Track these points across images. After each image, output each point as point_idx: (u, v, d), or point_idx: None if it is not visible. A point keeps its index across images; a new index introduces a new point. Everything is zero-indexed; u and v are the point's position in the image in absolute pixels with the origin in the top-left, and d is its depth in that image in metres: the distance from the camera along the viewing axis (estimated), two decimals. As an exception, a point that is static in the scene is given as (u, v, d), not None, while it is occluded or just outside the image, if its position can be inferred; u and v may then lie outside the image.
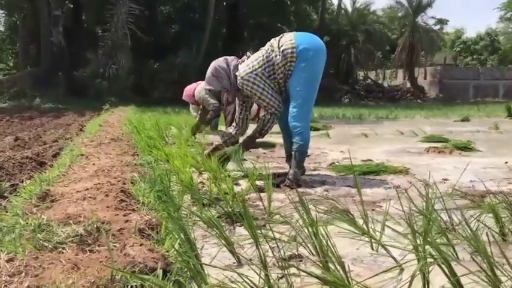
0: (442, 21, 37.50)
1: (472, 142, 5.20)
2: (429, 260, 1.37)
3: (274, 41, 3.43)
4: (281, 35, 3.51)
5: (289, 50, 3.30)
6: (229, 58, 3.72)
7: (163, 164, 3.51)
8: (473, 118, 11.19)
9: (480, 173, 3.47)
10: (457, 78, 31.23)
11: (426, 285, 1.45)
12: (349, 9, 32.64)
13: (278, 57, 3.34)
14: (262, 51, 3.46)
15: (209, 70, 3.73)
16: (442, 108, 16.65)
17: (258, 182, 2.94)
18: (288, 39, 3.36)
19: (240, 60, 3.65)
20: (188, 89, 7.42)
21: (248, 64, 3.46)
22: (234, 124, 3.80)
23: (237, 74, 3.52)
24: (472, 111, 13.64)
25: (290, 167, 3.40)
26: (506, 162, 4.12)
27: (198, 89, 7.01)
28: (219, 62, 3.69)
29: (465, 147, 4.98)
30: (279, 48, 3.35)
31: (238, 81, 3.50)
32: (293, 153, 3.36)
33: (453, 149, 4.92)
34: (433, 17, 35.21)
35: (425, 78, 32.15)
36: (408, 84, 30.92)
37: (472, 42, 50.07)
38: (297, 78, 3.32)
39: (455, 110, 14.59)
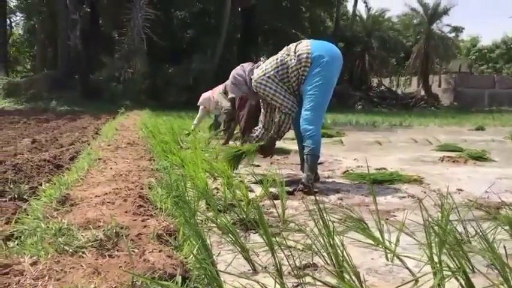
0: (457, 29, 37.17)
1: (487, 152, 5.16)
2: (445, 272, 1.37)
3: (292, 46, 3.55)
4: (299, 41, 3.62)
5: (305, 55, 3.39)
6: (245, 64, 3.90)
7: (178, 169, 3.55)
8: (488, 127, 11.08)
9: (495, 183, 3.45)
10: (472, 87, 30.93)
11: (441, 297, 1.46)
12: (364, 16, 32.61)
13: (293, 61, 3.44)
14: (278, 55, 3.58)
15: (229, 79, 3.94)
16: (456, 116, 16.52)
17: (271, 189, 2.96)
18: (305, 45, 3.46)
19: (255, 65, 3.79)
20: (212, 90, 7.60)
21: (262, 68, 3.61)
22: (259, 126, 3.93)
23: (252, 77, 3.65)
24: (487, 120, 13.51)
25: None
26: (522, 173, 4.08)
27: (216, 91, 7.15)
28: (236, 71, 3.87)
29: (480, 157, 4.94)
30: (295, 53, 3.45)
31: (252, 84, 3.63)
32: (305, 157, 3.42)
33: (468, 159, 4.89)
34: (448, 25, 34.87)
35: (439, 86, 31.89)
36: (422, 92, 30.69)
37: (488, 50, 49.63)
38: (311, 83, 3.39)
39: (470, 119, 14.47)
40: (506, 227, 2.02)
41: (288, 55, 3.49)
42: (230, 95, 4.02)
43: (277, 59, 3.54)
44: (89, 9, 24.26)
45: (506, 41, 48.85)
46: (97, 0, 23.59)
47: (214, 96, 7.11)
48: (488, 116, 16.62)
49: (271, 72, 3.51)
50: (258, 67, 3.71)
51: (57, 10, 20.71)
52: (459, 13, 63.01)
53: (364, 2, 32.27)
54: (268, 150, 3.93)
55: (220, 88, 6.63)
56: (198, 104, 7.99)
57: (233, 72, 3.89)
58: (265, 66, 3.58)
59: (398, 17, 38.21)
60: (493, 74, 37.79)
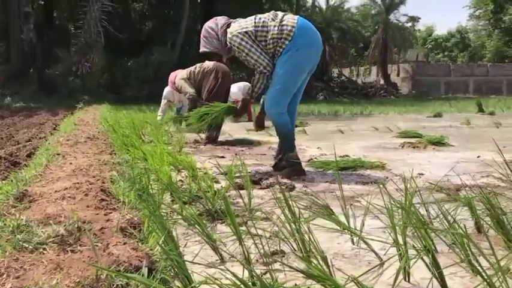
0: (414, 19, 38.05)
1: (445, 137, 5.30)
2: (411, 253, 1.40)
3: (279, 13, 3.44)
4: (287, 12, 3.52)
5: (288, 28, 3.28)
6: (219, 18, 3.66)
7: (140, 163, 3.48)
8: (446, 114, 11.41)
9: (454, 167, 3.55)
10: (429, 75, 31.77)
11: (407, 278, 1.49)
12: (324, 6, 32.86)
13: (275, 28, 3.30)
14: (261, 15, 3.44)
15: (202, 32, 3.66)
16: (414, 104, 16.92)
17: (237, 180, 2.94)
18: (292, 18, 3.37)
19: (232, 20, 3.60)
20: (171, 75, 7.08)
21: (241, 23, 3.44)
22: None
23: (228, 31, 3.45)
24: (444, 107, 13.91)
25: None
26: (478, 156, 4.21)
27: (178, 76, 6.67)
28: (209, 23, 3.63)
29: (439, 142, 5.08)
30: (280, 21, 3.33)
31: (227, 39, 3.44)
32: (279, 140, 3.52)
33: (427, 144, 5.01)
34: (405, 15, 35.71)
35: (398, 74, 32.60)
36: (382, 81, 31.31)
37: (443, 39, 51.04)
38: (283, 62, 3.30)
39: (428, 106, 14.85)
40: (466, 208, 2.07)
41: (273, 20, 3.35)
42: (201, 49, 3.73)
43: (259, 19, 3.39)
44: (42, 1, 23.49)
45: (461, 30, 50.36)
46: (51, -8, 22.86)
47: (176, 81, 6.64)
48: (445, 103, 17.11)
49: (250, 29, 3.34)
50: (235, 22, 3.53)
51: (9, 2, 19.89)
52: (415, 3, 64.39)
53: (324, -7, 32.52)
54: (241, 112, 3.88)
55: (184, 73, 6.34)
56: (163, 98, 7.70)
57: (205, 25, 3.64)
58: (245, 23, 3.42)
59: (356, 8, 38.78)
60: (449, 63, 38.91)
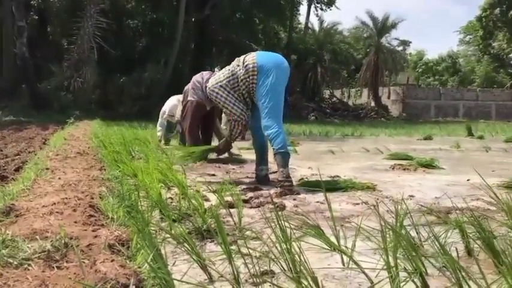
0: (405, 43, 38.68)
1: (435, 160, 5.33)
2: (401, 275, 1.39)
3: (240, 58, 3.94)
4: (248, 53, 4.02)
5: (251, 66, 3.79)
6: (205, 73, 4.40)
7: (130, 179, 3.45)
8: (436, 137, 11.49)
9: (444, 189, 3.56)
10: (420, 98, 32.10)
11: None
12: (316, 28, 33.26)
13: (241, 71, 3.83)
14: (230, 66, 3.97)
15: (189, 84, 4.46)
16: (405, 126, 17.05)
17: (227, 198, 2.92)
18: (251, 57, 3.87)
19: (213, 74, 4.26)
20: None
21: (215, 77, 4.00)
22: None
23: (207, 85, 4.05)
24: (434, 130, 14.01)
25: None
26: (468, 180, 4.23)
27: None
28: (196, 77, 4.40)
29: (429, 165, 5.10)
30: (243, 63, 3.85)
31: (207, 91, 4.01)
32: (275, 157, 3.76)
33: (417, 167, 5.03)
34: (396, 38, 36.27)
35: (389, 97, 32.90)
36: (372, 103, 31.56)
37: (434, 63, 51.72)
38: (260, 92, 3.76)
39: (418, 129, 14.96)
40: (456, 231, 2.07)
41: (238, 66, 3.87)
42: (189, 98, 4.41)
43: (229, 70, 3.92)
44: (36, 17, 23.51)
45: (452, 55, 51.10)
46: (46, 7, 22.88)
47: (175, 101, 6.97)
48: (435, 126, 17.25)
49: (224, 82, 3.86)
50: (212, 77, 4.10)
51: (2, 16, 19.88)
52: (406, 27, 65.47)
53: (317, 15, 32.90)
54: (223, 150, 4.44)
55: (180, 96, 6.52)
56: (169, 113, 7.60)
57: (193, 78, 4.36)
58: (219, 75, 3.95)
59: (349, 30, 39.31)
60: (439, 87, 39.37)
